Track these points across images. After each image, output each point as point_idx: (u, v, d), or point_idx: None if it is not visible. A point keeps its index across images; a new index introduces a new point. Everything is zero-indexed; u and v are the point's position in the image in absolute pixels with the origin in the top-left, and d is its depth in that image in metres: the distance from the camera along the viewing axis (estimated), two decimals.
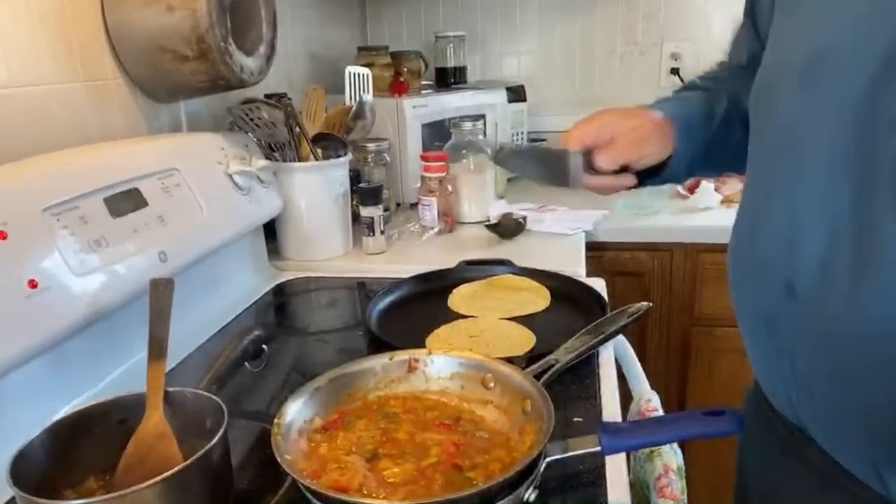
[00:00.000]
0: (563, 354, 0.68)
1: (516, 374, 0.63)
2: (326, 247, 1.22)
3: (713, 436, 0.50)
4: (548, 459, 0.54)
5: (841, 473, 0.54)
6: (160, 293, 0.64)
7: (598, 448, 0.53)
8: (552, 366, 0.66)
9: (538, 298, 0.99)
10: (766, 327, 0.57)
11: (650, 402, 0.82)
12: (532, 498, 0.53)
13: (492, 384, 0.64)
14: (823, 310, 0.50)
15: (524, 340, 0.86)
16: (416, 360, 0.67)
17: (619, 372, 0.90)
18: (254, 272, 1.13)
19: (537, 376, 0.63)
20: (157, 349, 0.62)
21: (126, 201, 0.78)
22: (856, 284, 0.47)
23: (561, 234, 1.33)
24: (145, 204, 0.80)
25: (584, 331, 0.74)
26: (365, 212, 1.21)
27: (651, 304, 0.73)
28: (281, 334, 0.97)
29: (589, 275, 1.12)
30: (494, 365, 0.65)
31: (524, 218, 1.34)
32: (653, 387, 0.88)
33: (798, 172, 0.52)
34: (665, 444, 0.52)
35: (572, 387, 0.74)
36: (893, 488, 0.49)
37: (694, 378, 1.46)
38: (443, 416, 0.63)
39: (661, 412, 0.82)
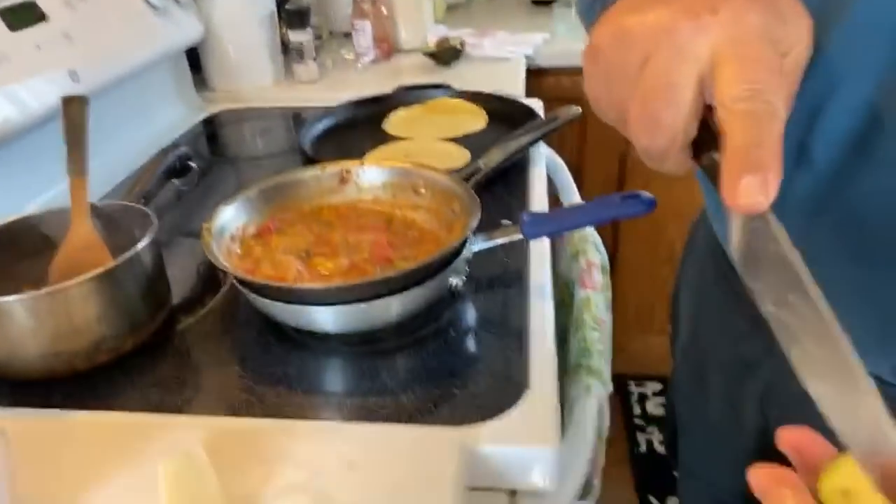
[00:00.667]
0: (491, 158, 0.69)
1: (445, 178, 0.64)
2: (255, 75, 1.17)
3: (628, 216, 0.53)
4: (474, 248, 0.57)
5: None
6: (74, 109, 0.61)
7: (520, 235, 0.56)
8: (480, 169, 0.67)
9: (475, 119, 0.99)
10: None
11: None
12: (458, 284, 0.56)
13: (422, 190, 0.65)
14: (853, 183, 0.43)
15: (460, 157, 0.86)
16: (349, 171, 0.67)
17: (554, 192, 0.93)
18: (180, 103, 1.09)
19: (466, 180, 0.64)
20: (77, 166, 0.60)
21: (22, 14, 0.72)
22: None
23: (500, 59, 1.30)
24: (45, 18, 0.74)
25: (512, 135, 0.74)
26: (293, 36, 1.15)
27: (580, 111, 0.73)
28: (214, 163, 0.95)
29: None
30: (424, 171, 0.65)
31: (462, 42, 1.29)
32: None
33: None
34: (584, 226, 0.55)
35: (503, 194, 0.77)
36: None
37: None
38: (376, 220, 0.64)
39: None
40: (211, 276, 0.65)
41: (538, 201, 0.76)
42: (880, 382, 0.47)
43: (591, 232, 0.83)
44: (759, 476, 0.26)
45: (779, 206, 0.51)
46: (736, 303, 0.59)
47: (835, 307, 0.41)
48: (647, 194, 0.54)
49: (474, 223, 0.55)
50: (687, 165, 0.33)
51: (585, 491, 0.68)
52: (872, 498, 0.24)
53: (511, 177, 0.81)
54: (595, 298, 0.70)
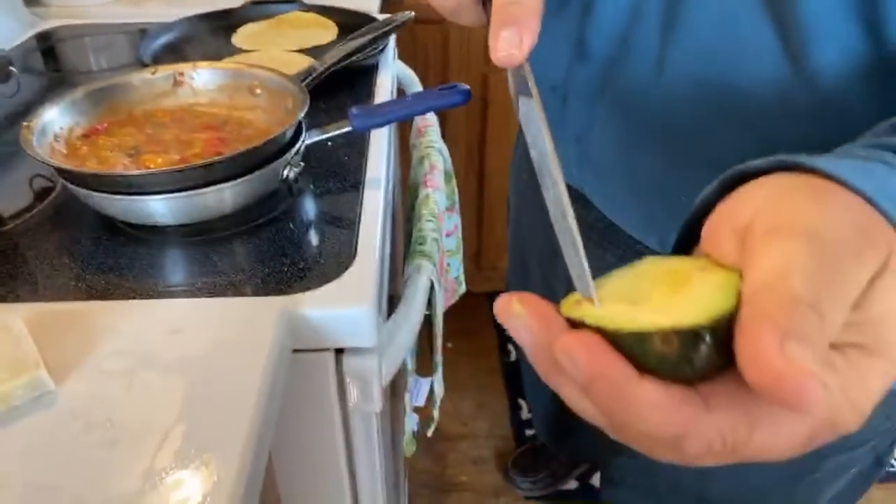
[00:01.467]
0: (326, 59, 0.70)
1: (279, 77, 0.65)
2: None
3: (447, 106, 0.57)
4: (307, 140, 0.59)
5: (620, 233, 0.55)
6: None
7: (350, 127, 0.58)
8: (315, 69, 0.69)
9: (325, 32, 0.99)
10: (555, 93, 0.55)
11: (426, 117, 0.89)
12: (292, 176, 0.58)
13: (258, 90, 0.66)
14: (621, 74, 0.48)
15: (304, 65, 0.87)
16: (182, 74, 0.67)
17: None
18: (6, 17, 1.01)
19: (303, 81, 0.66)
20: None
21: None
22: (661, 46, 0.44)
23: None
24: None
25: (348, 38, 0.76)
26: None
27: (413, 14, 0.76)
28: (52, 78, 0.90)
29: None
30: (258, 71, 0.66)
31: None
32: (450, 140, 0.95)
33: None
34: (409, 116, 0.58)
35: (348, 101, 0.79)
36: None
37: (493, 126, 1.58)
38: (211, 120, 0.65)
39: (436, 127, 0.91)
40: (44, 189, 0.63)
41: None
42: (648, 251, 0.56)
43: (436, 140, 0.87)
44: (497, 303, 0.26)
45: (566, 96, 0.57)
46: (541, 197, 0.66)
47: (610, 187, 0.46)
48: (463, 86, 0.58)
49: (302, 113, 0.57)
50: (482, 18, 0.36)
51: (431, 369, 0.74)
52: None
53: (357, 85, 0.83)
54: (434, 196, 0.75)
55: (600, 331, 0.23)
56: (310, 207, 0.59)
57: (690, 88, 0.44)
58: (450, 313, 0.91)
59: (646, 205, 0.53)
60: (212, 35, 0.98)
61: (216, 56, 0.89)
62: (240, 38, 0.97)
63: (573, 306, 0.27)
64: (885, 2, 0.36)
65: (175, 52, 0.93)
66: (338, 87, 0.80)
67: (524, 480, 1.45)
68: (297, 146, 0.58)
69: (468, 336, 1.82)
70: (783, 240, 0.22)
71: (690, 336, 0.22)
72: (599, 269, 0.28)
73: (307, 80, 0.67)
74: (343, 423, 0.53)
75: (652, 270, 0.28)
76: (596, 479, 1.48)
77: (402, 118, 0.59)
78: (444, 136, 1.55)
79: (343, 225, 0.57)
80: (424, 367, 0.74)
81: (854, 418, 0.21)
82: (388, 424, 0.71)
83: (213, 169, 0.52)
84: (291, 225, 0.56)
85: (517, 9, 0.29)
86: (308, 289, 0.48)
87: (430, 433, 0.80)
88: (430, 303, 0.64)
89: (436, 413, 0.77)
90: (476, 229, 1.77)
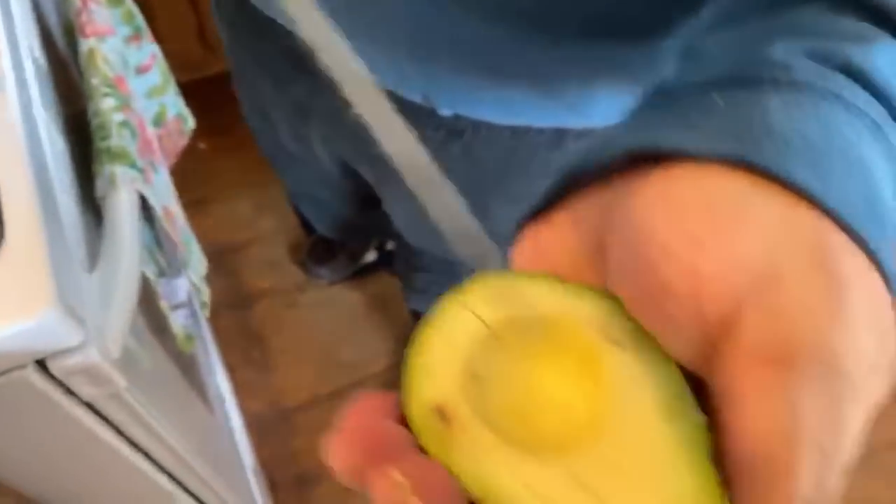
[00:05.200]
0: None
1: None
2: None
3: None
4: None
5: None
6: None
7: None
8: None
9: None
10: None
11: None
12: None
13: None
14: None
15: None
16: None
17: None
18: None
19: None
20: None
21: None
22: None
23: None
24: None
25: None
26: None
27: None
28: None
29: None
30: None
31: None
32: None
33: None
34: None
35: None
36: (440, 103, 0.45)
37: None
38: None
39: None
40: None
41: None
42: (410, 106, 0.46)
43: None
44: (338, 456, 0.16)
45: None
46: (270, 38, 0.50)
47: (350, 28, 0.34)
48: None
49: None
50: None
51: (182, 265, 0.63)
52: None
53: None
54: (103, 49, 0.55)
55: None
56: None
57: None
58: (194, 108, 0.75)
59: (398, 55, 0.42)
60: None
61: None
62: None
63: (437, 432, 0.17)
64: None
65: None
66: None
67: (323, 269, 1.44)
68: None
69: (222, 131, 1.61)
70: (791, 378, 0.14)
71: None
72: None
73: None
74: (95, 417, 0.42)
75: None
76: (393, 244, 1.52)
77: None
78: None
79: None
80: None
81: None
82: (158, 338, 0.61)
83: None
84: None
85: None
86: None
87: (207, 313, 0.71)
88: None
89: (204, 295, 0.68)
90: (191, 5, 1.46)
